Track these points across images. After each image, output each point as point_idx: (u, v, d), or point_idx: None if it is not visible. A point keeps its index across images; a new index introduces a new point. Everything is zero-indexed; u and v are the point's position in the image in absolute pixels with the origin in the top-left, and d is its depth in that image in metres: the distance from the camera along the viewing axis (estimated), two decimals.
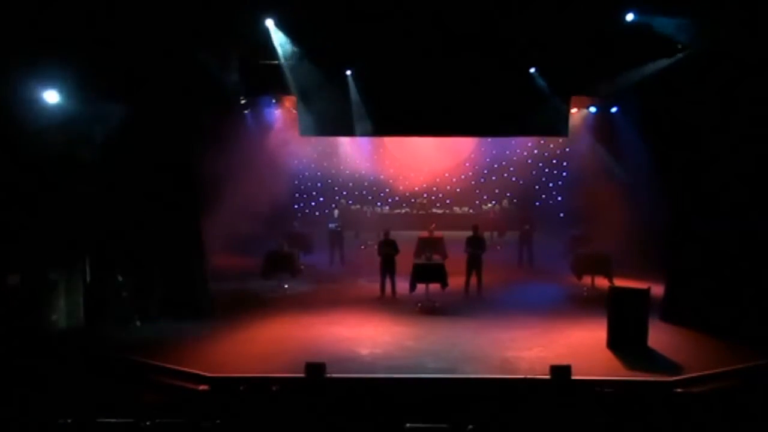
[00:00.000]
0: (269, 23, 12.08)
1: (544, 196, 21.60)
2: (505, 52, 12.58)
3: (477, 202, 21.68)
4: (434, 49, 12.34)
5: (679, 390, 8.57)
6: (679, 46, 11.71)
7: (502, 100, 13.73)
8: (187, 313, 11.53)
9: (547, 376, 8.15)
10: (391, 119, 14.00)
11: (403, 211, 21.58)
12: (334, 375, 8.35)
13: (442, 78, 13.16)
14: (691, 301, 11.16)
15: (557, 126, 15.00)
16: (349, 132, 14.56)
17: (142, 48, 10.55)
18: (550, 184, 21.65)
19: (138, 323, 11.30)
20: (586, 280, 13.58)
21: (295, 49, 12.53)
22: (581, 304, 12.69)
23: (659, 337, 10.29)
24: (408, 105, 13.51)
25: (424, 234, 16.04)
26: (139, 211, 11.33)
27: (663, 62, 12.14)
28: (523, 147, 21.82)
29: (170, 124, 11.35)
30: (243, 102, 16.03)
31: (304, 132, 15.04)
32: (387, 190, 22.07)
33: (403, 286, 12.94)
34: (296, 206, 21.16)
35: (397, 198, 22.01)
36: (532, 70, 13.59)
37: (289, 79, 13.22)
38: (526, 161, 21.80)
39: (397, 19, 11.44)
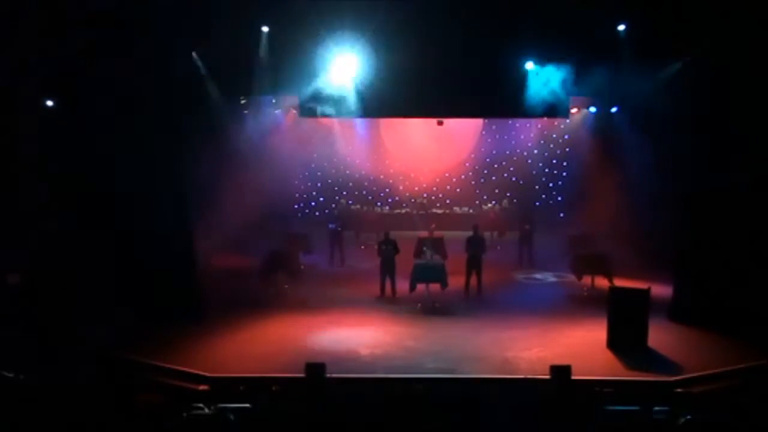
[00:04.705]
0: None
1: (544, 196, 21.59)
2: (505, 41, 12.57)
3: (477, 202, 21.66)
4: (433, 36, 12.32)
5: (679, 390, 8.56)
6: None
7: (501, 84, 13.67)
8: (178, 312, 11.28)
9: (547, 376, 8.14)
10: (391, 102, 13.93)
11: (403, 211, 21.57)
12: (334, 375, 8.33)
13: (442, 62, 13.09)
14: (699, 300, 11.13)
15: (557, 109, 14.91)
16: (349, 114, 14.44)
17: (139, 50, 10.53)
18: (550, 184, 21.65)
19: None
20: (586, 280, 13.57)
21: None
22: (581, 304, 12.69)
23: (659, 337, 10.27)
24: (408, 87, 13.43)
25: (424, 234, 16.02)
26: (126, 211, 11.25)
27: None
28: (523, 147, 21.85)
29: (162, 126, 11.27)
30: (243, 102, 16.02)
31: (304, 113, 14.98)
32: (387, 190, 22.06)
33: (403, 286, 12.94)
34: (296, 206, 21.17)
35: (397, 198, 22.00)
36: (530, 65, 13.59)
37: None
38: (526, 161, 21.81)
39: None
